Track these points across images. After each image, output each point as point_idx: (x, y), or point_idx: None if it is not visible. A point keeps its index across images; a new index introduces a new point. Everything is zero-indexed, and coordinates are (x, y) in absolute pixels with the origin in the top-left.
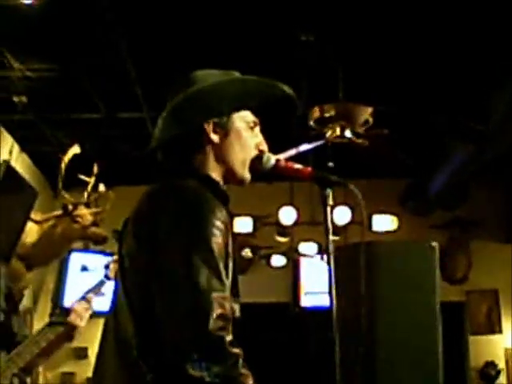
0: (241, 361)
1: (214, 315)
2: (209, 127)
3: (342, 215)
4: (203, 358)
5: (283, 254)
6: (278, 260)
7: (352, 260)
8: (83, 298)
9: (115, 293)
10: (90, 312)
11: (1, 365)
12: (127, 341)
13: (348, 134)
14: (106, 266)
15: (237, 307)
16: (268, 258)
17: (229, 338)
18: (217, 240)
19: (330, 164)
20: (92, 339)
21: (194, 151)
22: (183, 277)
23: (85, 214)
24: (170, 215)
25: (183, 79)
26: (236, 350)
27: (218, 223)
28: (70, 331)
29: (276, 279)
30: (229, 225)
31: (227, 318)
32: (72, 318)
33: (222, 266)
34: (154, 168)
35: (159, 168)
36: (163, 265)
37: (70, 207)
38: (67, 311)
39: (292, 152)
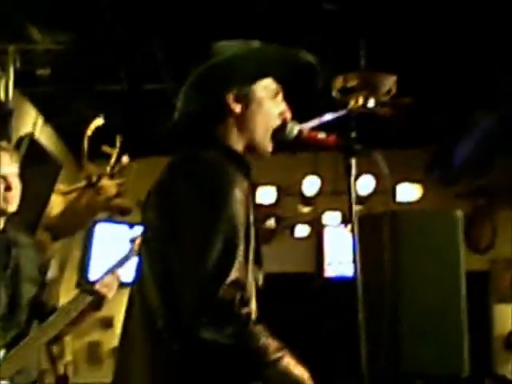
0: (252, 318)
1: (228, 280)
2: (230, 98)
3: (365, 184)
4: (213, 321)
5: (307, 223)
6: (301, 230)
7: (376, 229)
8: (111, 271)
9: (139, 263)
10: (117, 283)
11: (33, 335)
12: (152, 311)
13: (371, 103)
14: (132, 241)
15: (260, 276)
16: (291, 228)
17: (238, 298)
18: (237, 208)
19: (354, 134)
20: (118, 309)
21: (216, 122)
22: (199, 244)
23: (109, 185)
24: (189, 186)
25: (204, 51)
26: (245, 310)
27: (238, 193)
28: (98, 301)
29: (299, 249)
30: (250, 195)
31: (241, 283)
32: (100, 288)
33: (240, 234)
34: (177, 140)
35: (181, 139)
36: (182, 234)
37: (94, 179)
38: (95, 282)
39: (315, 122)
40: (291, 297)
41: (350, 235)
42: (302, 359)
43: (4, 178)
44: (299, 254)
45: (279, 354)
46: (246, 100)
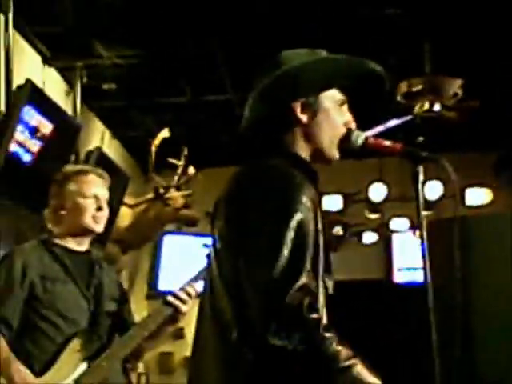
0: (322, 324)
1: (296, 286)
2: (297, 107)
3: (433, 190)
4: (282, 328)
5: (374, 230)
6: (369, 237)
7: (446, 235)
8: (187, 284)
9: (209, 274)
10: (194, 296)
11: (113, 348)
12: (226, 322)
13: (437, 107)
14: (205, 245)
15: (330, 284)
16: (359, 235)
17: (307, 303)
18: (305, 216)
19: (420, 139)
20: (189, 319)
21: (283, 131)
22: (267, 251)
23: (176, 196)
24: (257, 193)
25: (271, 60)
26: (315, 315)
27: (306, 200)
28: (175, 315)
29: (368, 256)
30: (317, 203)
31: (309, 289)
32: (176, 302)
33: (309, 242)
34: (243, 149)
35: (248, 149)
36: (250, 241)
37: (162, 190)
38: (171, 294)
39: (380, 128)
40: (360, 304)
41: (418, 241)
42: (372, 367)
43: (97, 198)
44: (367, 260)
45: (351, 361)
46: (312, 110)
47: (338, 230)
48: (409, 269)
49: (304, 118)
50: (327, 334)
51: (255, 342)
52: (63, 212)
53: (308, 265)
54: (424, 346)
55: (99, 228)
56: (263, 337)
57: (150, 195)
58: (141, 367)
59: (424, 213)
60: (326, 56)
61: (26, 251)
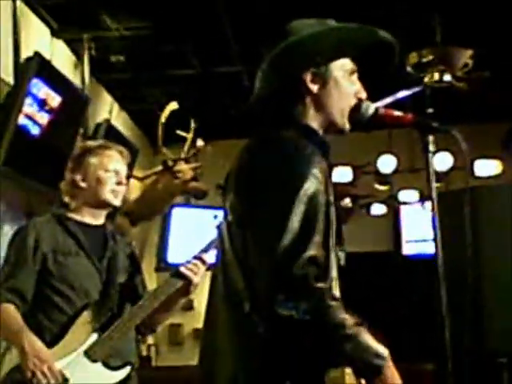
0: (328, 293)
1: (304, 256)
2: (307, 77)
3: (443, 161)
4: (289, 298)
5: (383, 202)
6: (377, 208)
7: (456, 206)
8: (198, 255)
9: (221, 245)
10: (204, 268)
11: (124, 318)
12: (238, 294)
13: (447, 78)
14: (215, 217)
15: (342, 255)
16: (368, 206)
17: (313, 273)
18: (316, 187)
19: (430, 110)
20: (198, 291)
21: (293, 102)
22: (277, 223)
23: (185, 169)
24: (268, 165)
25: (280, 31)
26: (321, 284)
27: (317, 172)
28: (187, 286)
29: (376, 228)
30: (328, 174)
31: (318, 260)
32: (188, 273)
33: (320, 214)
34: (252, 121)
35: (258, 121)
36: (258, 214)
37: (170, 163)
38: (182, 266)
39: (389, 99)
40: (368, 276)
41: (426, 213)
42: (381, 338)
43: (117, 172)
44: (376, 232)
45: (357, 329)
46: (322, 79)
47: (347, 202)
48: (417, 241)
49: (314, 87)
50: (333, 303)
51: (267, 314)
52: (83, 184)
53: (319, 237)
54: (432, 318)
55: (117, 202)
56: (271, 307)
57: (159, 168)
58: (150, 338)
59: (434, 184)
60: (335, 25)
61: (39, 225)
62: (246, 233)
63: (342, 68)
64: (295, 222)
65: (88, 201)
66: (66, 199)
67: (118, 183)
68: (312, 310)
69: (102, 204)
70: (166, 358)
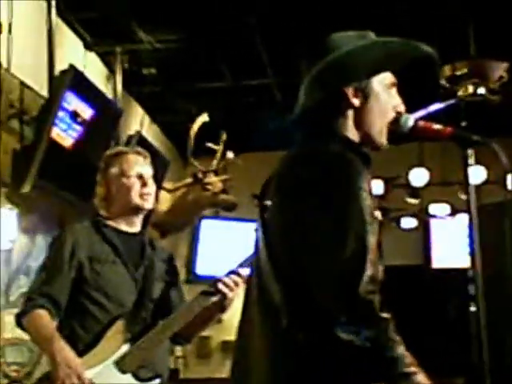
0: (391, 326)
1: (366, 278)
2: (350, 91)
3: (475, 175)
4: (353, 321)
5: (413, 215)
6: (408, 222)
7: (495, 219)
8: (234, 271)
9: (256, 257)
10: (241, 283)
11: (156, 330)
12: (275, 307)
13: (481, 91)
14: (257, 230)
15: (380, 269)
16: (398, 220)
17: (377, 301)
18: (366, 202)
19: (463, 123)
20: None
21: (335, 116)
22: (334, 241)
23: (214, 181)
24: (316, 179)
25: (322, 45)
26: (385, 315)
27: (366, 185)
28: (222, 301)
29: (406, 241)
30: (371, 187)
31: (376, 280)
32: (223, 287)
33: (370, 229)
34: (288, 134)
35: (299, 133)
36: (315, 229)
37: (200, 175)
38: (218, 280)
39: (423, 112)
40: (398, 290)
41: (457, 226)
42: (414, 354)
43: (140, 176)
44: (406, 246)
45: (414, 369)
46: (364, 93)
47: (377, 215)
48: (448, 255)
49: (356, 102)
50: (396, 337)
51: (309, 328)
52: (111, 197)
53: (372, 254)
54: (464, 332)
55: (148, 205)
56: (330, 328)
57: (189, 180)
58: (178, 351)
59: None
60: (377, 40)
61: (77, 232)
62: (293, 247)
63: (382, 82)
64: (352, 239)
65: (120, 210)
66: (101, 212)
67: (143, 185)
68: (375, 339)
69: (133, 210)
70: (193, 371)
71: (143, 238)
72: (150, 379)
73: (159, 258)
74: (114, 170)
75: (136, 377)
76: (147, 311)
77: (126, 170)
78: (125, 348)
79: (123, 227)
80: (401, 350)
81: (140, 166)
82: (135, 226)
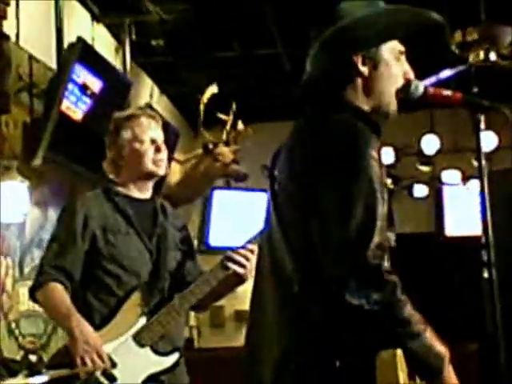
0: (398, 288)
1: (373, 244)
2: (358, 60)
3: (487, 141)
4: (361, 286)
5: (425, 183)
6: (419, 190)
7: (505, 186)
8: (250, 242)
9: (268, 225)
10: (253, 259)
11: (174, 302)
12: (287, 276)
13: (493, 56)
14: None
15: (392, 236)
16: (410, 188)
17: (386, 265)
18: (375, 170)
19: (475, 89)
20: None
21: (344, 84)
22: (344, 208)
23: (225, 151)
24: (325, 148)
25: (330, 13)
26: (393, 277)
27: (375, 154)
28: (240, 273)
29: (418, 209)
30: (380, 155)
31: (384, 246)
32: (239, 258)
33: (379, 197)
34: (298, 103)
35: (307, 103)
36: (324, 198)
37: (211, 146)
38: (235, 250)
39: (433, 79)
40: (411, 257)
41: (470, 193)
42: (428, 320)
43: (154, 141)
44: (418, 214)
45: (423, 327)
46: (373, 62)
47: (388, 184)
48: (460, 222)
49: (365, 70)
50: (403, 297)
51: (321, 295)
52: (122, 161)
53: (380, 221)
54: (476, 299)
55: (161, 171)
56: (339, 294)
57: (200, 151)
58: (192, 320)
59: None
60: (385, 7)
61: (88, 202)
62: (303, 215)
63: (391, 50)
64: (360, 205)
65: (131, 175)
66: (111, 176)
67: (157, 151)
68: (383, 302)
69: (146, 176)
70: (207, 340)
71: (155, 203)
72: (169, 353)
73: (172, 225)
74: (126, 134)
75: (154, 350)
76: (163, 282)
77: (139, 134)
78: (142, 321)
79: (135, 193)
80: (409, 309)
81: (153, 130)
82: (147, 191)
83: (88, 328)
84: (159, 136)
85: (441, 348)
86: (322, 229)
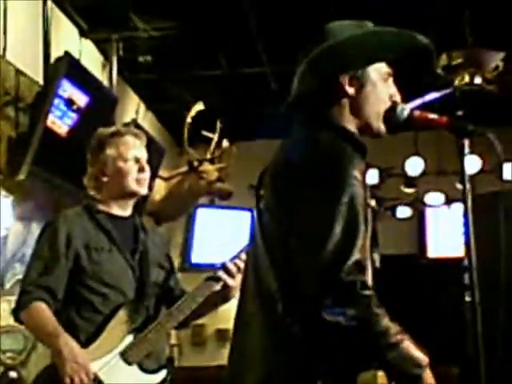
0: (374, 301)
1: (350, 261)
2: (345, 80)
3: (470, 164)
4: (336, 303)
5: (409, 205)
6: (403, 211)
7: (489, 209)
8: (235, 257)
9: (253, 246)
10: (239, 275)
11: (161, 320)
12: (271, 295)
13: (478, 80)
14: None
15: (376, 257)
16: (393, 209)
17: (364, 280)
18: (356, 190)
19: (459, 113)
20: None
21: (330, 104)
22: (323, 227)
23: (210, 169)
24: (308, 168)
25: (318, 33)
26: (368, 292)
27: (357, 174)
28: (225, 290)
29: (402, 231)
30: (365, 176)
31: (363, 264)
32: (224, 276)
33: (360, 216)
34: (284, 122)
35: (293, 122)
36: (304, 217)
37: (196, 163)
38: (220, 268)
39: (419, 102)
40: (393, 278)
41: (452, 216)
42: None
43: (137, 160)
44: (401, 235)
45: (400, 337)
46: (359, 82)
47: (372, 205)
48: (443, 244)
49: (351, 90)
50: (379, 311)
51: (303, 315)
52: (105, 178)
53: (360, 240)
54: (458, 321)
55: (143, 190)
56: (316, 312)
57: (184, 168)
58: (173, 339)
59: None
60: (373, 29)
61: (70, 219)
62: (285, 235)
63: (378, 71)
64: (339, 225)
65: (113, 193)
66: (92, 193)
67: (140, 170)
68: (359, 316)
69: (129, 194)
70: (188, 359)
71: (135, 221)
72: (156, 370)
73: (152, 242)
74: (110, 151)
75: (141, 368)
76: (149, 299)
77: (123, 152)
78: (129, 338)
79: (116, 211)
80: (385, 322)
81: (137, 149)
82: (128, 209)
83: (76, 347)
84: (143, 155)
85: (419, 355)
86: (301, 247)
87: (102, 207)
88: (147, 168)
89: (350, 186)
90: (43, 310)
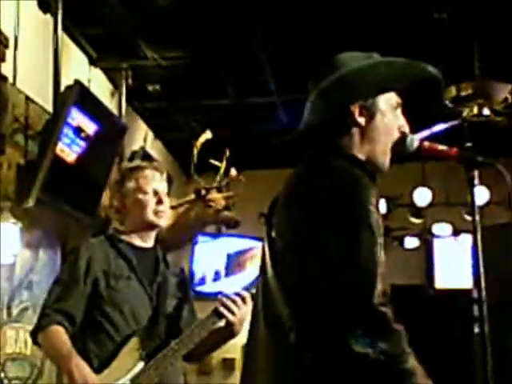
0: (404, 338)
1: (377, 291)
2: (356, 110)
3: (478, 195)
4: (368, 334)
5: (416, 235)
6: (410, 242)
7: (499, 241)
8: (239, 293)
9: (263, 275)
10: (244, 307)
11: (171, 347)
12: (282, 324)
13: (486, 112)
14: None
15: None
16: (401, 239)
17: (390, 313)
18: (375, 217)
19: (468, 144)
20: None
21: (341, 134)
22: (346, 254)
23: (217, 198)
24: (326, 195)
25: (328, 63)
26: (399, 327)
27: (374, 201)
28: (230, 326)
29: (409, 261)
30: (379, 204)
31: (386, 294)
32: (224, 311)
33: (380, 245)
34: (292, 151)
35: (302, 151)
36: (326, 244)
37: (203, 192)
38: (219, 303)
39: (427, 133)
40: (402, 310)
41: (460, 247)
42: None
43: (156, 192)
44: (408, 265)
45: (427, 381)
46: (370, 113)
47: None
48: (451, 275)
49: (362, 120)
50: (409, 349)
51: (318, 344)
52: (125, 210)
53: (381, 268)
54: (467, 353)
55: (162, 222)
56: (343, 341)
57: (192, 196)
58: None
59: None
60: (383, 59)
61: (92, 246)
62: (300, 260)
63: (388, 101)
64: (363, 252)
65: (134, 225)
66: (115, 224)
67: (159, 202)
68: (389, 352)
69: (148, 226)
70: None
71: (157, 253)
72: None
73: (172, 274)
74: (131, 185)
75: None
76: (161, 328)
77: (142, 185)
78: (140, 365)
79: (137, 242)
80: (413, 361)
81: (157, 182)
82: (149, 241)
83: (87, 370)
84: (162, 188)
85: None
86: (325, 275)
87: (124, 237)
88: (166, 200)
89: (370, 213)
90: (60, 333)
